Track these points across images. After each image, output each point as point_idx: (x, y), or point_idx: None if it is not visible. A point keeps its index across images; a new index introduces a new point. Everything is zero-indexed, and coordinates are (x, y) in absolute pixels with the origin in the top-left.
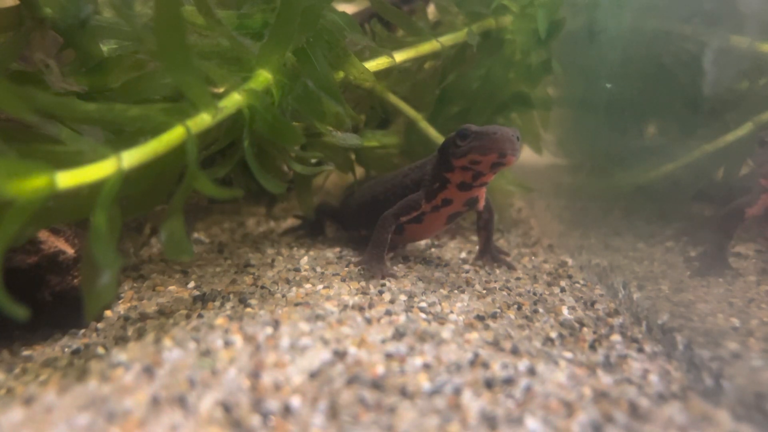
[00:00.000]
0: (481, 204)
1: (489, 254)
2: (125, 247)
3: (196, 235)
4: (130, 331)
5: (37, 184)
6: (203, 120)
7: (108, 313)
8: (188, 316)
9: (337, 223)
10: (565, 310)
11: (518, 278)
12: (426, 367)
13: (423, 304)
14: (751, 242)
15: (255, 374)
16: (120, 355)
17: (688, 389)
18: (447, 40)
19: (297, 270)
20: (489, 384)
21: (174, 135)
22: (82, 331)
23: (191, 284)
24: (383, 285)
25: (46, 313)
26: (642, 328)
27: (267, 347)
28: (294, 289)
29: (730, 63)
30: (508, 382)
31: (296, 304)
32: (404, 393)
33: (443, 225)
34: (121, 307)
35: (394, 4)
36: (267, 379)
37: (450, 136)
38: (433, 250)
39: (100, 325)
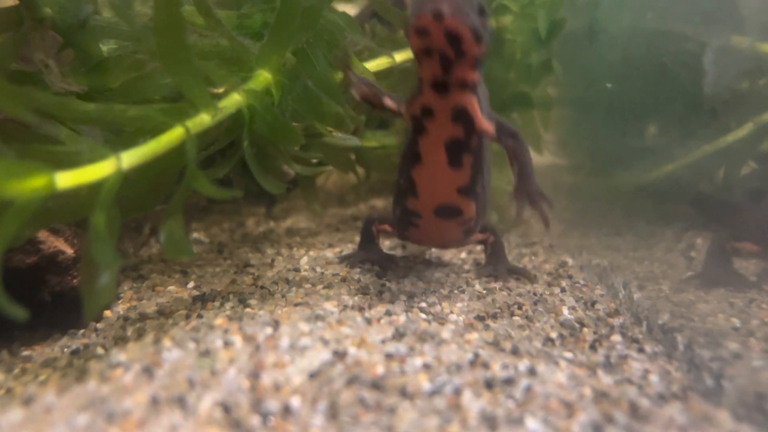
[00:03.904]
0: (482, 124)
1: (525, 191)
2: (125, 247)
3: (195, 235)
4: (129, 332)
5: (36, 184)
6: (203, 120)
7: (107, 313)
8: (188, 317)
9: None
10: (565, 311)
11: (518, 278)
12: (426, 367)
13: (423, 305)
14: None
15: (255, 374)
16: (119, 355)
17: (689, 389)
18: None
19: (297, 270)
20: (489, 384)
21: (173, 135)
22: (82, 331)
23: (191, 284)
24: (383, 285)
25: (46, 314)
26: (642, 328)
27: (267, 347)
28: (294, 289)
29: (731, 63)
30: (509, 382)
31: (296, 305)
32: (404, 393)
33: (448, 171)
34: (120, 308)
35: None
36: (267, 379)
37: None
38: (433, 250)
39: (99, 326)
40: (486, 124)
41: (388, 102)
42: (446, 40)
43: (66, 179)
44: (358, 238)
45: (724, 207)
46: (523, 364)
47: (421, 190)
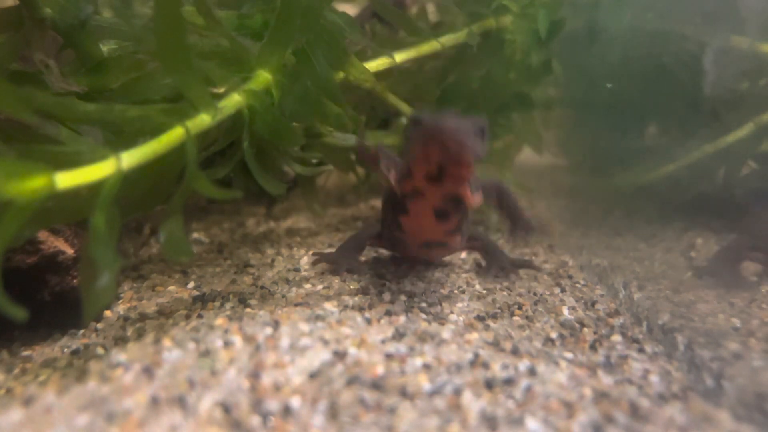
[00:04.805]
0: (472, 201)
1: (521, 229)
2: (125, 248)
3: (195, 235)
4: (129, 332)
5: (36, 184)
6: (203, 120)
7: (107, 313)
8: (188, 317)
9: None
10: (565, 311)
11: (518, 278)
12: (426, 367)
13: (423, 305)
14: None
15: (255, 375)
16: (119, 355)
17: (689, 390)
18: (447, 40)
19: (297, 270)
20: (489, 384)
21: (173, 135)
22: (82, 331)
23: (191, 284)
24: (383, 285)
25: (46, 314)
26: (642, 328)
27: (267, 347)
28: (294, 289)
29: (731, 63)
30: (509, 382)
31: (296, 305)
32: (404, 393)
33: (435, 223)
34: (120, 308)
35: (395, 4)
36: (267, 379)
37: (411, 115)
38: None
39: (99, 326)
40: (474, 201)
41: (382, 168)
42: (452, 169)
43: (66, 179)
44: None
45: (742, 210)
46: (523, 364)
47: (409, 232)
